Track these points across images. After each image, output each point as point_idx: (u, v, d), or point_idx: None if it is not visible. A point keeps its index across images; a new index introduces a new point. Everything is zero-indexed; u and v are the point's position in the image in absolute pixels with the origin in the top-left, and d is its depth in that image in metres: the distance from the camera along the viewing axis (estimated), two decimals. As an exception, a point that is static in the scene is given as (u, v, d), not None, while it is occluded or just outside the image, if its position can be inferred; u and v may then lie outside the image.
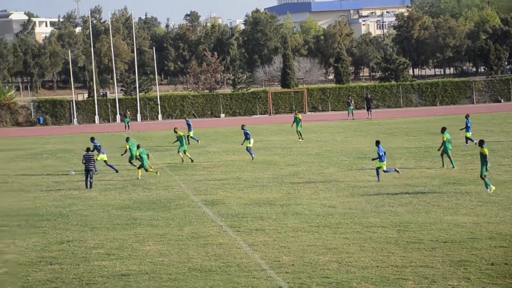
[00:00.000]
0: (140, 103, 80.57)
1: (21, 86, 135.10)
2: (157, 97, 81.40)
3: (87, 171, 30.06)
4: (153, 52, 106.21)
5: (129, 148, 35.32)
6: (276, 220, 22.50)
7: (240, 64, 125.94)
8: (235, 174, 33.32)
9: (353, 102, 69.28)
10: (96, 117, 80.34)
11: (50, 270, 17.65)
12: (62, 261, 18.45)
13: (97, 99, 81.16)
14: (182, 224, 22.58)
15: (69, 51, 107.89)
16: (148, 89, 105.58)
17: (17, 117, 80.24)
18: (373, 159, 30.58)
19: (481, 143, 25.42)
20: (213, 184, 30.37)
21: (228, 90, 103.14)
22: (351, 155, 38.49)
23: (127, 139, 36.07)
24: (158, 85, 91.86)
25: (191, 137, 47.03)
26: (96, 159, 33.70)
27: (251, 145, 38.04)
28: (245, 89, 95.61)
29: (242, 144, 40.27)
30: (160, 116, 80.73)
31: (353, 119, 65.61)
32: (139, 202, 26.88)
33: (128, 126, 63.00)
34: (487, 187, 25.45)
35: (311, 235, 20.37)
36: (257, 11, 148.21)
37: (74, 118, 79.61)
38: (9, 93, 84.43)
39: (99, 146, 35.52)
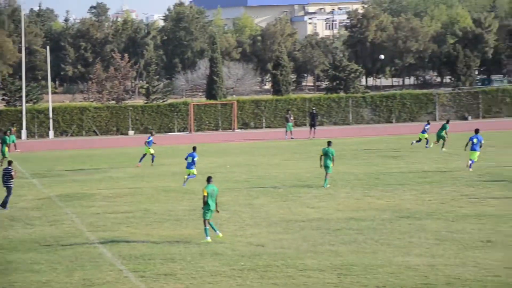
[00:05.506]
0: (26, 116, 79.18)
1: None
2: (48, 108, 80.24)
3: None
4: (46, 53, 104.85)
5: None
6: (191, 263, 22.43)
7: (156, 69, 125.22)
8: (143, 205, 33.07)
9: (292, 118, 69.68)
10: (-32, 134, 78.46)
11: None
12: None
13: (-30, 111, 79.37)
14: (71, 268, 22.25)
15: None
16: (38, 98, 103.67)
17: None
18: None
19: None
20: (115, 218, 30.07)
21: (139, 101, 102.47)
22: (287, 182, 38.65)
23: None
24: (52, 93, 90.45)
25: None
26: None
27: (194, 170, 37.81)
28: (161, 100, 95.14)
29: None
30: (51, 132, 79.40)
31: (292, 138, 65.96)
32: (17, 241, 26.39)
33: (15, 145, 61.29)
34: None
35: (232, 280, 20.38)
36: (180, 4, 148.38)
37: None
38: None
39: None
